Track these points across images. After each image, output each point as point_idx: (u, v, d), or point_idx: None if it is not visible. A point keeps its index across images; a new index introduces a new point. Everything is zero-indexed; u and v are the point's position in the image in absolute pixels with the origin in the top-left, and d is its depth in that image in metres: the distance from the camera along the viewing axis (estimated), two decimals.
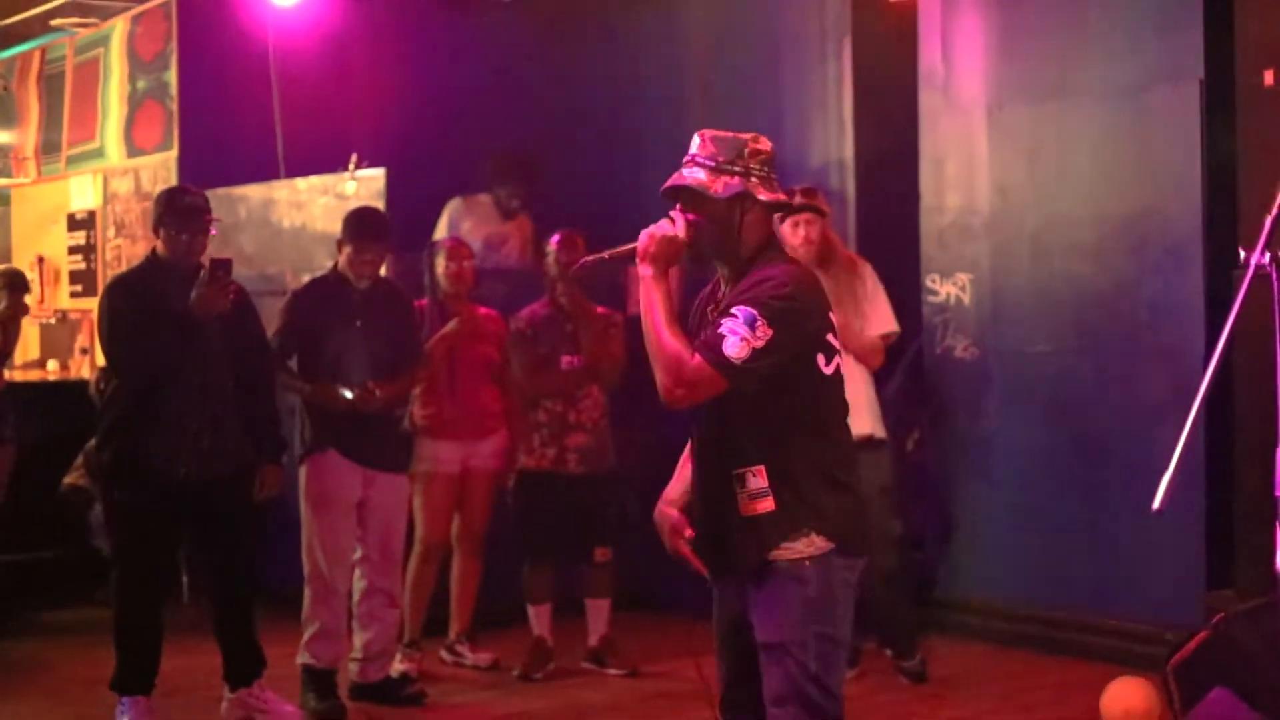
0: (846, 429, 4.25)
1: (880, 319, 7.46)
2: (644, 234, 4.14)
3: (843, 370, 4.20)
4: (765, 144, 4.20)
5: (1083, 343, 8.06)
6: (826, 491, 4.09)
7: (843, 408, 4.22)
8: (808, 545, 4.04)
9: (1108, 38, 7.98)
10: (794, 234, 7.29)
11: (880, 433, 7.46)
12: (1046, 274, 8.21)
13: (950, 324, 8.59)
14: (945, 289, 8.59)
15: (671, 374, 4.00)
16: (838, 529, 4.08)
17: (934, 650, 8.05)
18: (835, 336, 4.15)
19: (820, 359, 4.09)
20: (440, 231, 9.28)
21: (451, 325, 7.73)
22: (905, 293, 8.16)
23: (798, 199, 7.31)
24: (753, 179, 4.14)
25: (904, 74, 8.85)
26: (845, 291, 7.32)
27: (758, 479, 4.05)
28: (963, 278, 8.53)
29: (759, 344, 3.94)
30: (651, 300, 4.09)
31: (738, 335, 3.95)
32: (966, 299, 8.52)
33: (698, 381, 3.98)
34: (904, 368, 8.55)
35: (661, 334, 4.04)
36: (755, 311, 3.97)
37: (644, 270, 4.12)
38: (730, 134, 4.19)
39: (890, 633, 7.65)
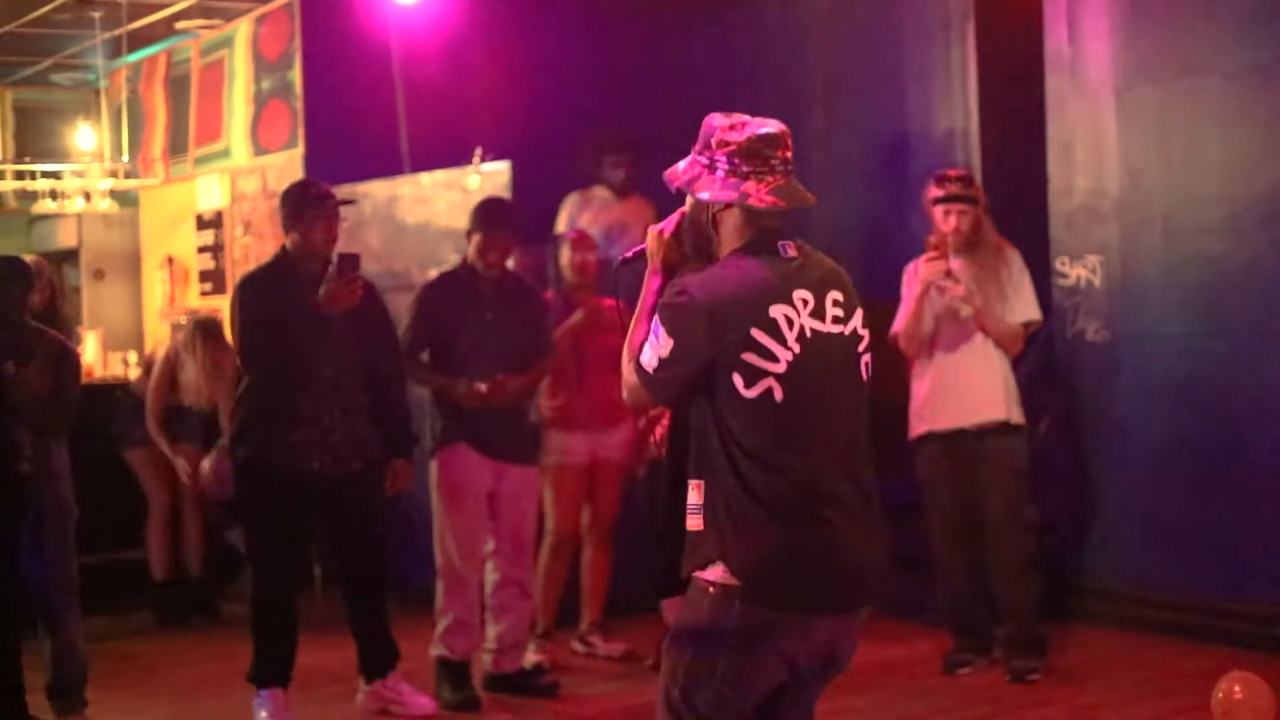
0: (794, 467, 3.67)
1: (1024, 306, 7.41)
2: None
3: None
4: (744, 132, 3.72)
5: (1215, 324, 7.93)
6: (742, 527, 3.65)
7: (784, 439, 3.67)
8: (711, 572, 3.70)
9: (1236, 14, 7.84)
10: (945, 223, 7.37)
11: (1017, 418, 7.41)
12: (1178, 256, 8.08)
13: (1081, 307, 8.48)
14: (1076, 272, 8.49)
15: (622, 371, 3.85)
16: (745, 570, 3.66)
17: (1070, 637, 7.96)
18: (772, 360, 3.63)
19: (737, 379, 3.63)
20: (561, 227, 9.28)
21: (577, 317, 7.75)
22: (1034, 276, 8.08)
23: (951, 187, 7.33)
24: (718, 171, 3.72)
25: (1029, 57, 8.74)
26: (990, 276, 7.36)
27: (695, 494, 3.73)
28: (1093, 260, 8.42)
29: (664, 353, 3.65)
30: (642, 295, 3.90)
31: (650, 344, 3.70)
32: (1097, 281, 8.41)
33: (629, 384, 3.79)
34: (1035, 352, 8.46)
35: (632, 329, 3.86)
36: (659, 319, 3.69)
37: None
38: (720, 120, 3.77)
39: (1007, 626, 7.44)
